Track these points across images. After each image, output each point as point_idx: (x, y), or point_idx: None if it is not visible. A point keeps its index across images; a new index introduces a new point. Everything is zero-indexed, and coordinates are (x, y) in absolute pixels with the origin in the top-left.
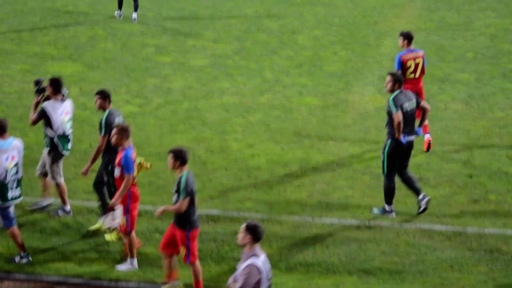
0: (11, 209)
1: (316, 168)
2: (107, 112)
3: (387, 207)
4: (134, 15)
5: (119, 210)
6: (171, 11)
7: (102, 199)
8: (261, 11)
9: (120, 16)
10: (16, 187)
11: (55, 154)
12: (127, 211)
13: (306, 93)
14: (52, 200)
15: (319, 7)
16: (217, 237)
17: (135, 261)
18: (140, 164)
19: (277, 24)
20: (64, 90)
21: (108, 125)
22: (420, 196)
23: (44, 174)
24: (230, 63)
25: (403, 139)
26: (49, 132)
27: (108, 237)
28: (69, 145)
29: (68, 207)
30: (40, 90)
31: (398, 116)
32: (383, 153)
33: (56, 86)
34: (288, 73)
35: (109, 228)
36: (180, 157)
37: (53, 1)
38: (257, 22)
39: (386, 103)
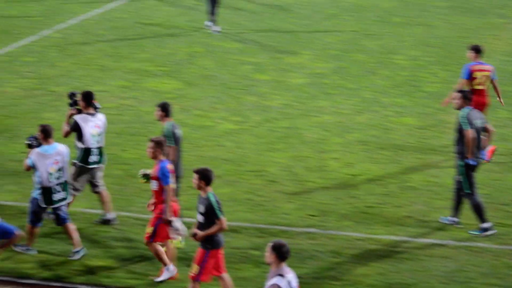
0: (63, 209)
1: (414, 188)
2: (170, 123)
3: (483, 225)
4: (209, 22)
5: (175, 221)
6: (269, 29)
7: None
8: (359, 31)
9: (215, 31)
10: (61, 191)
11: (82, 166)
12: (156, 220)
13: (404, 113)
14: (114, 214)
15: (416, 28)
16: (316, 255)
17: (171, 266)
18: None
19: (375, 44)
20: (96, 104)
21: (175, 136)
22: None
23: (96, 188)
24: (328, 82)
25: (472, 161)
26: (79, 144)
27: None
28: (93, 158)
29: (111, 216)
30: (73, 103)
31: (471, 133)
32: (460, 174)
33: (88, 99)
34: (386, 93)
35: (177, 240)
36: (205, 178)
37: (151, 17)
38: (355, 41)
39: (456, 121)
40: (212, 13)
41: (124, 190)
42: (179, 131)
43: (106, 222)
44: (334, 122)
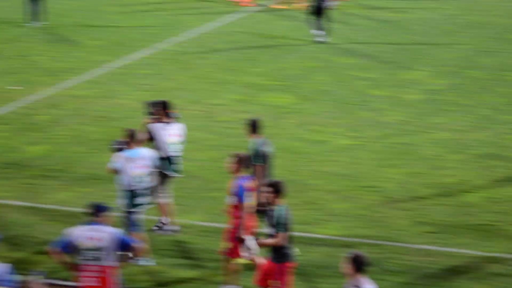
0: (137, 216)
1: None
2: (258, 140)
3: None
4: (317, 32)
5: (248, 240)
6: (386, 45)
7: None
8: (475, 47)
9: (323, 39)
10: (145, 195)
11: (161, 174)
12: (233, 236)
13: None
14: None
15: None
16: (432, 272)
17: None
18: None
19: (491, 60)
20: (174, 114)
21: (262, 154)
22: None
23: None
24: (444, 99)
25: None
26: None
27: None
28: (174, 167)
29: (164, 219)
30: (151, 112)
31: None
32: None
33: (165, 108)
34: (502, 110)
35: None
36: (278, 190)
37: (268, 31)
38: (470, 58)
39: None
40: (318, 25)
41: None
42: (268, 149)
43: (166, 229)
44: (450, 139)
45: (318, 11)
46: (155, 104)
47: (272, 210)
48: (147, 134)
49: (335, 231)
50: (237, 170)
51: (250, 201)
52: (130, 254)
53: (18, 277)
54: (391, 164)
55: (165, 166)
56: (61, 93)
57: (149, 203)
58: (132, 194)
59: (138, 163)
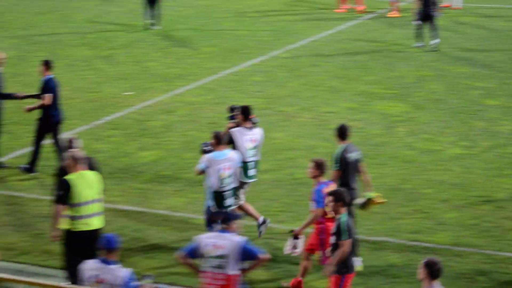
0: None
1: None
2: (342, 146)
3: None
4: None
5: (301, 239)
6: (499, 54)
7: None
8: None
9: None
10: (231, 196)
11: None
12: (320, 244)
13: None
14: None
15: None
16: None
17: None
18: (371, 200)
19: None
20: (254, 119)
21: (341, 160)
22: None
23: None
24: None
25: None
26: None
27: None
28: (250, 172)
29: (261, 219)
30: (232, 117)
31: None
32: None
33: (245, 113)
34: None
35: (289, 254)
36: (341, 199)
37: (381, 39)
38: None
39: None
40: (422, 32)
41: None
42: (353, 155)
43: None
44: None
45: (426, 17)
46: (235, 109)
47: (336, 218)
48: (227, 139)
49: (445, 240)
50: (316, 176)
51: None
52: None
53: (137, 282)
54: (503, 174)
55: (247, 172)
56: (173, 99)
57: (233, 205)
58: (220, 196)
59: (225, 164)
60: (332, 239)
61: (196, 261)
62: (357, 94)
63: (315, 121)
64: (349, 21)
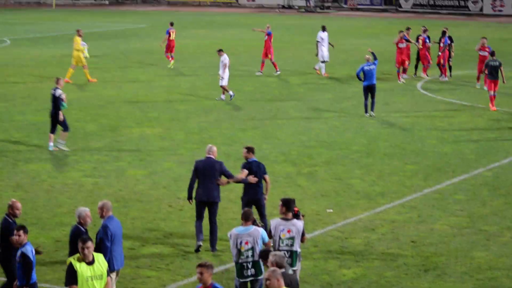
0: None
1: None
2: None
3: None
4: None
5: None
6: None
7: None
8: None
9: None
10: (251, 268)
11: None
12: None
13: None
14: None
15: None
16: None
17: None
18: None
19: None
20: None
21: None
22: None
23: None
24: None
25: None
26: None
27: None
28: None
29: None
30: None
31: None
32: None
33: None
34: None
35: None
36: None
37: None
38: None
39: None
40: None
41: None
42: None
43: None
44: None
45: None
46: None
47: None
48: None
49: None
50: None
51: None
52: None
53: None
54: None
55: None
56: (374, 217)
57: (253, 276)
58: (239, 266)
59: (244, 239)
60: None
61: None
62: None
63: None
64: None
